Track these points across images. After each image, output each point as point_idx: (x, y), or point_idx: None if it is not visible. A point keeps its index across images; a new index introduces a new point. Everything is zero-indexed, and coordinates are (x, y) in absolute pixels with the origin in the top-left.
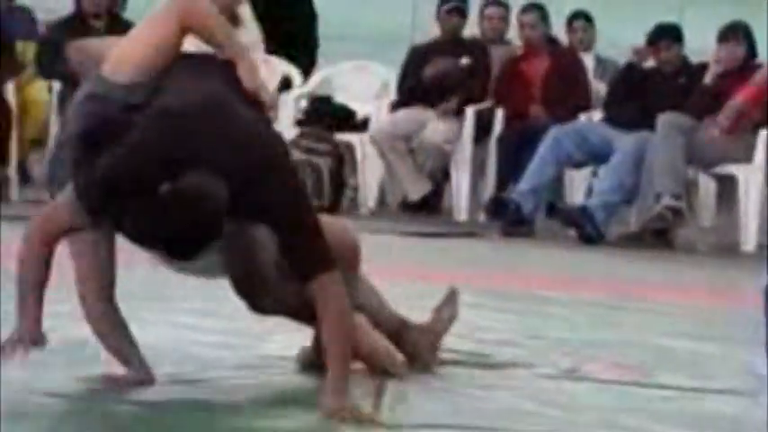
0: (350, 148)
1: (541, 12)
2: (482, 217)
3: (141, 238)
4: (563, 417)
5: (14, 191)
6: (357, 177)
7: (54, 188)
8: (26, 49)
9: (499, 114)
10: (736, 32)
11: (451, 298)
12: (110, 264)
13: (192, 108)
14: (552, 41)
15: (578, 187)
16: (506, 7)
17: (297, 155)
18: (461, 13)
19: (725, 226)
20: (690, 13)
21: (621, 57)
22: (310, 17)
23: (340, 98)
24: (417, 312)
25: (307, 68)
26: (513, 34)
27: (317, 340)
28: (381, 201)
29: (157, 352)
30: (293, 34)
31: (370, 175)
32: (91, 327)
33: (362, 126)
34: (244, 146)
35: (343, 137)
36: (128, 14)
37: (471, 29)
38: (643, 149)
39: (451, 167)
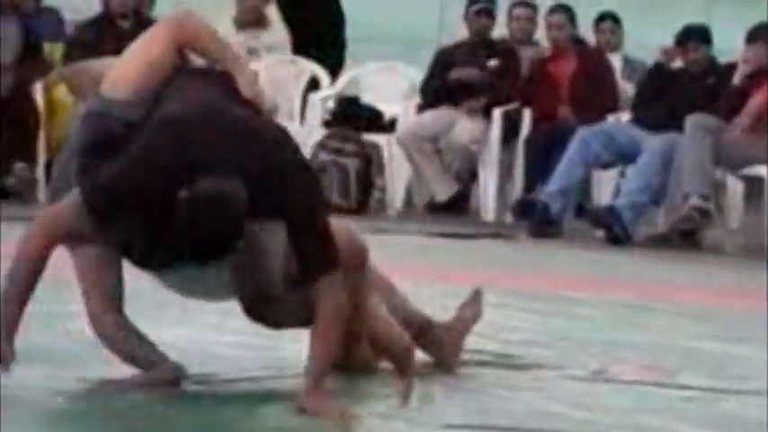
0: (377, 148)
1: (569, 13)
2: (509, 218)
3: (151, 258)
4: (590, 418)
5: (42, 192)
6: (384, 178)
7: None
8: (54, 50)
9: (527, 115)
10: (764, 33)
11: (476, 298)
12: (117, 276)
13: (193, 116)
14: (580, 42)
15: (606, 188)
16: (534, 8)
17: (324, 155)
18: (489, 14)
19: (752, 227)
20: (718, 14)
21: (649, 57)
22: (338, 18)
23: (367, 99)
24: (444, 313)
25: (334, 69)
26: (540, 35)
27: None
28: (408, 201)
29: (181, 351)
30: (321, 35)
31: (397, 175)
32: (104, 342)
33: (390, 127)
34: (251, 147)
35: (371, 138)
36: (155, 14)
37: (499, 30)
38: (671, 150)
39: (479, 168)
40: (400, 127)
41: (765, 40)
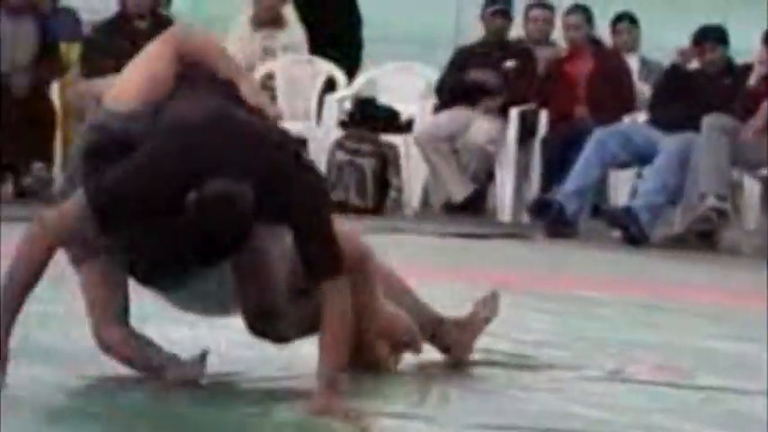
0: (394, 149)
1: (586, 13)
2: (526, 218)
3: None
4: (606, 418)
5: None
6: (401, 178)
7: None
8: (70, 50)
9: (543, 116)
10: None
11: (493, 298)
12: (123, 294)
13: (198, 122)
14: (597, 43)
15: (622, 188)
16: (551, 9)
17: (341, 155)
18: (506, 15)
19: None
20: (734, 15)
21: (666, 58)
22: (355, 18)
23: (384, 99)
24: (459, 314)
25: (351, 70)
26: (557, 35)
27: None
28: (425, 202)
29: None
30: (338, 35)
31: (413, 175)
32: (112, 354)
33: (407, 127)
34: (256, 151)
35: (388, 138)
36: (172, 14)
37: (516, 31)
38: (688, 151)
39: (495, 168)
40: (417, 127)
41: None
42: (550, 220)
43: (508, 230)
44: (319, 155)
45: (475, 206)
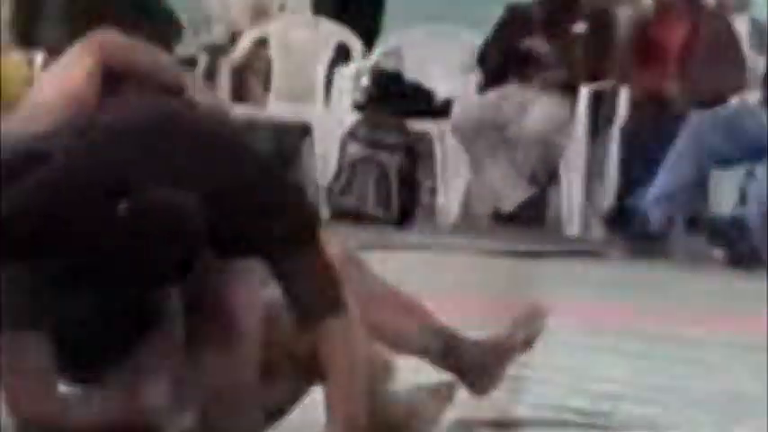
0: (425, 139)
1: None
2: (599, 231)
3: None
4: None
5: None
6: (435, 179)
7: None
8: None
9: (623, 96)
10: None
11: (537, 314)
12: None
13: (129, 124)
14: (695, 1)
15: (728, 193)
16: None
17: (355, 149)
18: None
19: None
20: None
21: None
22: None
23: (412, 74)
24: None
25: (369, 35)
26: None
27: None
28: (466, 210)
29: None
30: None
31: (452, 175)
32: None
33: (442, 111)
34: (209, 156)
35: (417, 125)
36: None
37: None
38: None
39: (560, 166)
40: (455, 111)
41: None
42: (631, 234)
43: (576, 247)
44: (327, 147)
45: (532, 216)
